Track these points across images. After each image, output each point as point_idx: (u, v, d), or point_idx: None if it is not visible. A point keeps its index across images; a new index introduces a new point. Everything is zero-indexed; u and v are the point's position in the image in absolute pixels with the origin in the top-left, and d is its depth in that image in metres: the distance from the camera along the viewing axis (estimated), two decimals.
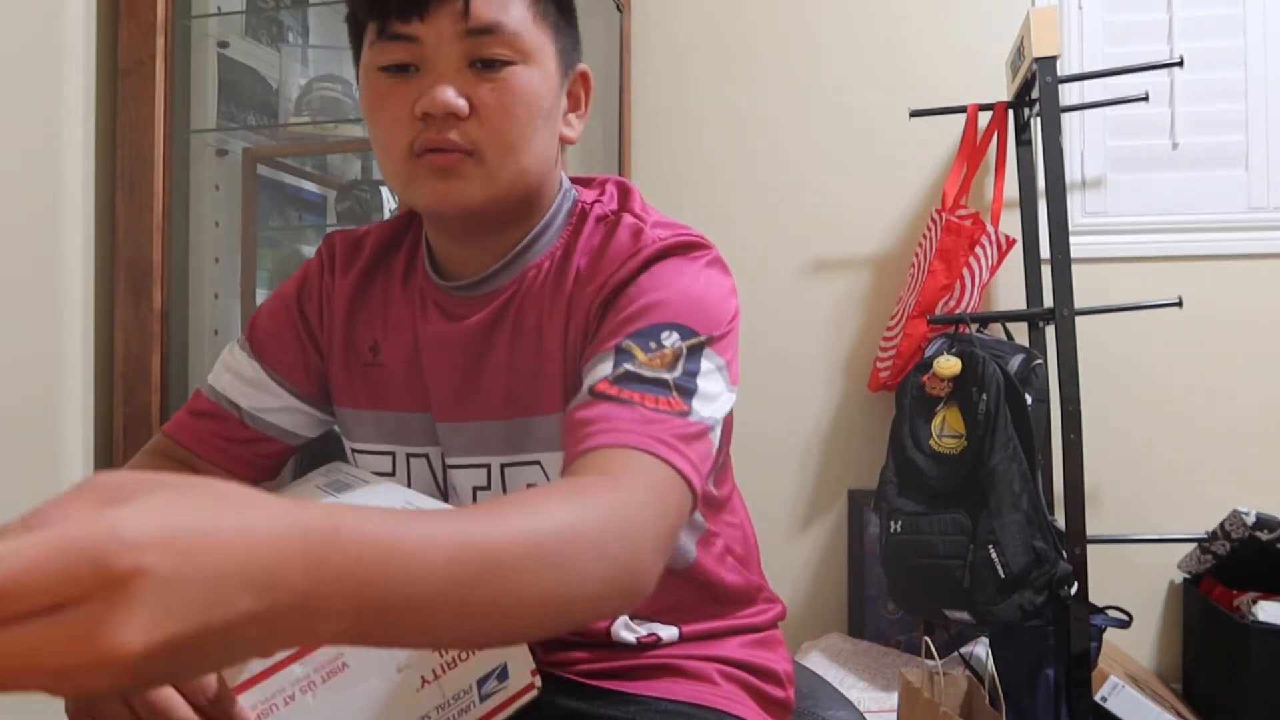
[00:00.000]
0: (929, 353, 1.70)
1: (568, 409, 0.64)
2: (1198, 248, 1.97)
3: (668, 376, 0.62)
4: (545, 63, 0.69)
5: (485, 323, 0.73)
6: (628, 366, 0.62)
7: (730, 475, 0.86)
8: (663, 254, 0.70)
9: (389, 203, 1.65)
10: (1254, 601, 1.65)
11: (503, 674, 0.58)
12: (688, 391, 0.62)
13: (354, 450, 0.79)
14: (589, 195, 0.78)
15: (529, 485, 0.73)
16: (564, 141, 0.75)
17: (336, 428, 0.82)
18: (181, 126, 1.52)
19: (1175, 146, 2.00)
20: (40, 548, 0.29)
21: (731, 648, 0.79)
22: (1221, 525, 1.74)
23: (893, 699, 1.59)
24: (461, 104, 0.65)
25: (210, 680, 0.46)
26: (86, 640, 0.29)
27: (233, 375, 0.78)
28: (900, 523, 1.61)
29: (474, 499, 0.74)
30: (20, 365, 1.30)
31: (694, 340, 0.65)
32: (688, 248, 0.71)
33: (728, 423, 0.74)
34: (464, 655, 0.56)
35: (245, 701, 0.49)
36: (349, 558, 0.36)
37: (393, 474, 0.77)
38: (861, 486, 2.03)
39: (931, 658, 1.48)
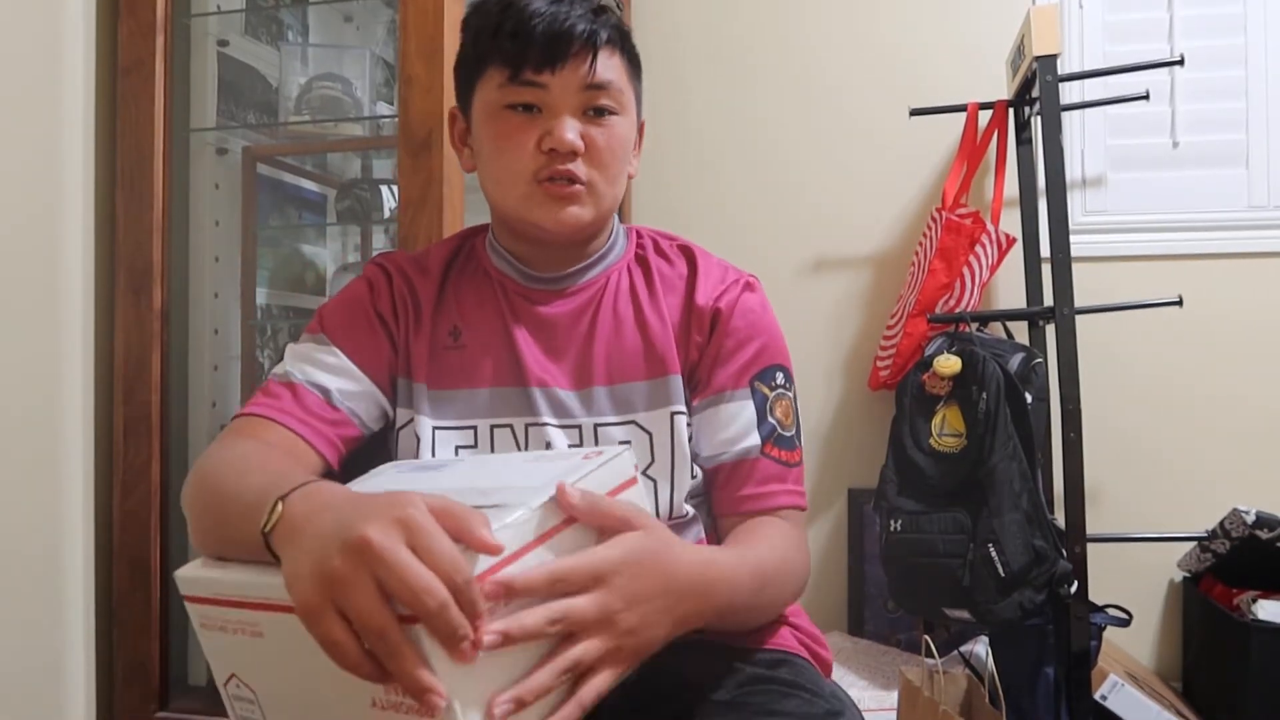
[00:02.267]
0: (929, 351, 1.70)
1: (729, 451, 0.87)
2: (1198, 247, 1.97)
3: (793, 434, 0.90)
4: (631, 113, 0.87)
5: (581, 309, 0.89)
6: (776, 427, 0.88)
7: None
8: (749, 287, 0.92)
9: (389, 202, 1.65)
10: (1254, 600, 1.65)
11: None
12: (799, 436, 0.91)
13: (435, 429, 0.86)
14: (629, 226, 0.97)
15: (621, 442, 0.85)
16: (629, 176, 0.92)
17: (410, 418, 0.88)
18: (181, 125, 1.52)
19: (1176, 145, 2.00)
20: (605, 560, 0.60)
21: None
22: (1221, 524, 1.74)
23: (893, 698, 1.59)
24: (580, 144, 0.82)
25: (463, 563, 0.51)
26: (612, 646, 0.60)
27: (313, 365, 0.85)
28: (900, 521, 1.61)
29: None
30: (20, 365, 1.30)
31: (792, 391, 0.92)
32: (753, 284, 0.94)
33: None
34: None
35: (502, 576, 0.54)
36: (716, 599, 0.70)
37: (475, 445, 0.86)
38: (861, 485, 2.03)
39: (931, 656, 1.48)
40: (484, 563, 0.53)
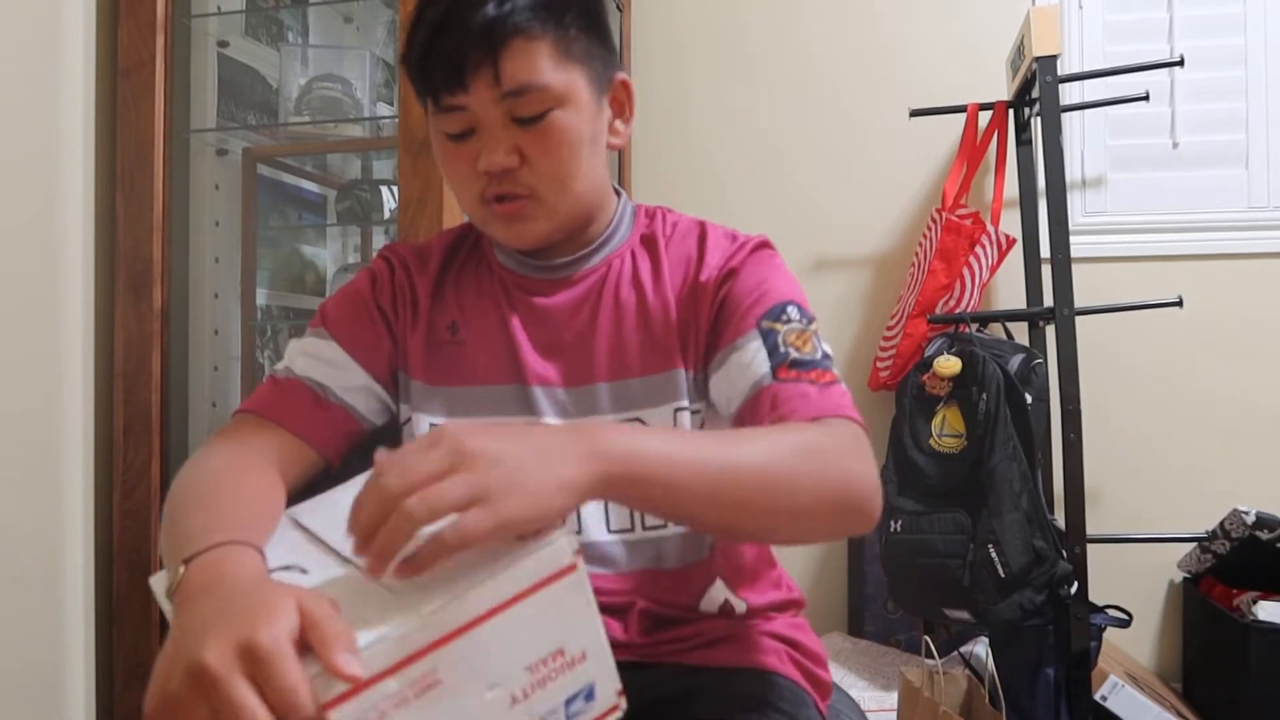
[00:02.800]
0: (929, 352, 1.70)
1: (745, 392, 0.77)
2: (1198, 247, 1.97)
3: (817, 357, 0.77)
4: (578, 96, 0.78)
5: (581, 299, 0.84)
6: (790, 353, 0.77)
7: None
8: (759, 247, 0.85)
9: (389, 202, 1.65)
10: (1254, 601, 1.65)
11: (590, 694, 0.58)
12: (829, 361, 0.79)
13: (432, 424, 0.84)
14: (640, 206, 0.91)
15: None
16: (613, 149, 0.85)
17: (410, 415, 0.86)
18: (181, 126, 1.52)
19: (1176, 146, 2.00)
20: (427, 448, 0.54)
21: (781, 625, 0.87)
22: (1221, 524, 1.74)
23: (893, 698, 1.59)
24: (511, 160, 0.77)
25: (305, 699, 0.47)
26: (466, 485, 0.52)
27: (311, 359, 0.84)
28: (900, 522, 1.61)
29: None
30: (20, 365, 1.30)
31: (815, 325, 0.81)
32: (768, 244, 0.87)
33: None
34: (552, 674, 0.56)
35: (340, 717, 0.48)
36: (628, 471, 0.59)
37: None
38: None
39: (931, 657, 1.48)
40: (340, 686, 0.48)
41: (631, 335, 0.83)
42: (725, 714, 0.75)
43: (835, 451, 0.69)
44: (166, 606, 0.61)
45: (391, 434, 0.89)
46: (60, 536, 1.37)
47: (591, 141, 0.80)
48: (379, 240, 1.93)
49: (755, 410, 0.75)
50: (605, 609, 0.68)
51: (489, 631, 0.53)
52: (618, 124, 0.85)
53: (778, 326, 0.78)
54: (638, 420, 0.82)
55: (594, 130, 0.81)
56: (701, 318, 0.82)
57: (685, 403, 0.81)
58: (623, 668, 0.61)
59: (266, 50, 1.71)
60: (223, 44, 1.59)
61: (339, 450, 0.84)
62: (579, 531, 0.81)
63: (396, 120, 1.39)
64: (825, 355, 0.78)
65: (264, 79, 1.69)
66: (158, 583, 0.65)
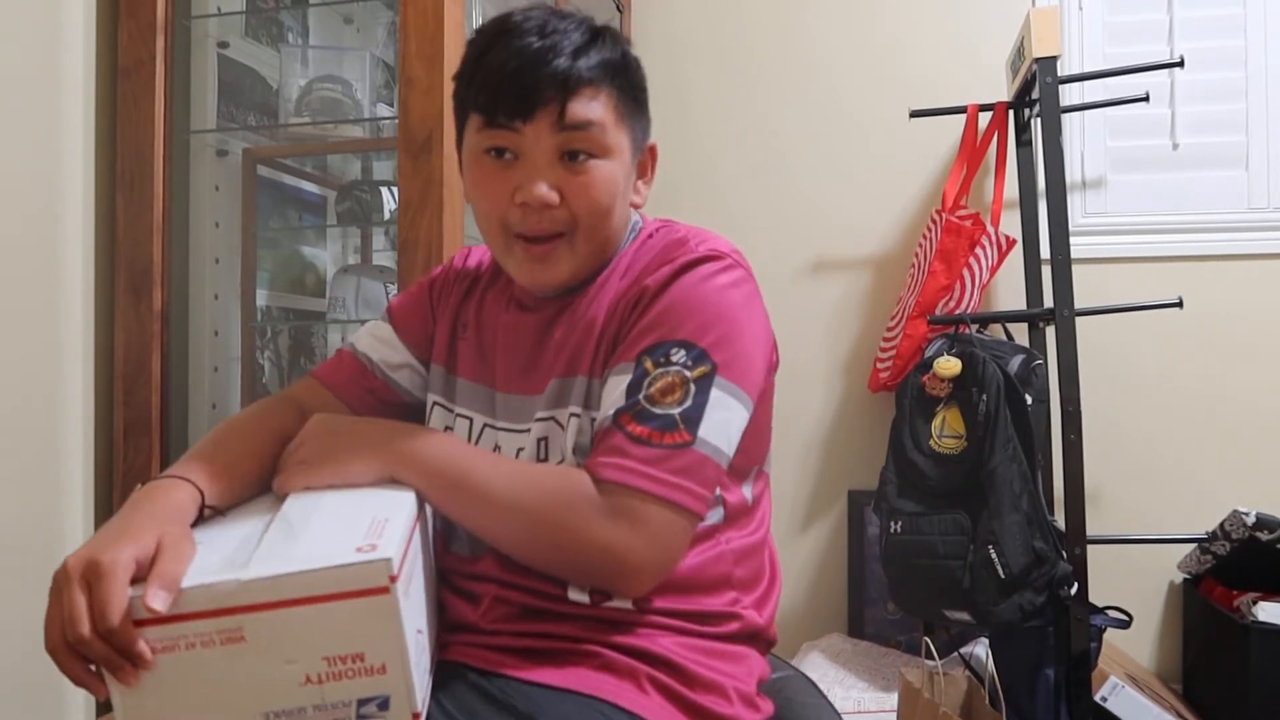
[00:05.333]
0: (929, 353, 1.70)
1: (596, 422, 0.80)
2: (1198, 248, 1.97)
3: (669, 414, 0.75)
4: (621, 154, 0.83)
5: (554, 314, 0.88)
6: (642, 401, 0.76)
7: (764, 490, 0.92)
8: (695, 264, 0.81)
9: (389, 203, 1.65)
10: (1254, 602, 1.65)
11: (384, 704, 0.63)
12: (691, 418, 0.76)
13: (434, 403, 0.94)
14: (651, 224, 0.93)
15: (540, 440, 0.84)
16: (633, 207, 0.89)
17: (427, 394, 0.97)
18: (181, 127, 1.51)
19: (1175, 147, 2.00)
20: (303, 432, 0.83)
21: (669, 644, 0.79)
22: (1221, 525, 1.74)
23: (893, 699, 1.59)
24: (554, 196, 0.80)
25: (113, 612, 0.60)
26: (299, 452, 0.81)
27: (370, 336, 0.98)
28: (900, 523, 1.61)
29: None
30: (20, 365, 1.30)
31: (703, 369, 0.77)
32: (712, 259, 0.81)
33: (763, 417, 0.87)
34: (350, 673, 0.62)
35: (151, 635, 0.61)
36: (402, 465, 0.78)
37: (452, 428, 0.92)
38: (861, 486, 2.03)
39: (931, 658, 1.48)
40: (165, 608, 0.61)
41: (567, 343, 0.85)
42: None
43: (578, 514, 0.74)
44: None
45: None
46: (60, 537, 1.37)
47: (623, 197, 0.85)
48: (379, 241, 1.93)
49: (595, 442, 0.79)
50: (460, 590, 0.84)
51: (297, 615, 0.61)
52: (640, 184, 0.90)
53: (650, 368, 0.77)
54: (553, 420, 0.84)
55: (626, 187, 0.85)
56: (614, 329, 0.83)
57: (576, 408, 0.82)
58: (471, 658, 0.76)
59: (266, 51, 1.71)
60: (223, 45, 1.59)
61: (379, 415, 0.95)
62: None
63: (396, 121, 1.39)
64: (693, 408, 0.76)
65: (264, 80, 1.69)
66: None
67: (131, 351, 1.43)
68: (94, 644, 0.61)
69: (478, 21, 1.63)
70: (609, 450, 0.76)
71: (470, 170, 0.85)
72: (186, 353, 1.54)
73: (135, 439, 1.42)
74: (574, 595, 0.79)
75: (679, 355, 0.77)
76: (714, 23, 2.18)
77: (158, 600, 0.60)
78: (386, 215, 1.66)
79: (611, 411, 0.77)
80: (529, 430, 0.85)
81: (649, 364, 0.77)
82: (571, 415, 0.82)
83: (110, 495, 1.43)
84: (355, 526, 0.66)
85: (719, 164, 2.16)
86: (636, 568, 0.75)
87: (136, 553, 0.63)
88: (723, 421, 0.77)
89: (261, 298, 1.69)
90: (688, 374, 0.76)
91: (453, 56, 1.32)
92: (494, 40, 0.81)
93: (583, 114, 0.79)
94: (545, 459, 0.83)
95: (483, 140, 0.82)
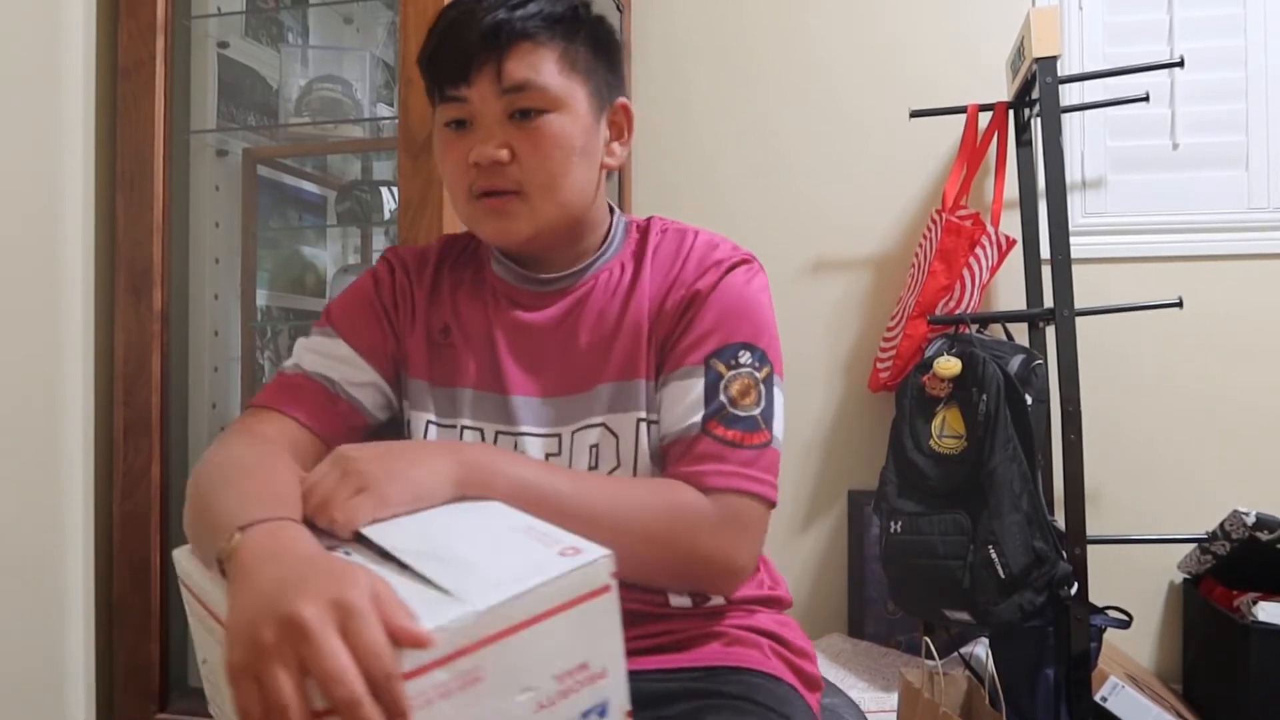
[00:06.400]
0: (929, 353, 1.70)
1: (664, 425, 0.82)
2: (1198, 248, 1.97)
3: (752, 415, 0.80)
4: (575, 106, 0.82)
5: (565, 313, 0.86)
6: (726, 405, 0.80)
7: None
8: (736, 266, 0.85)
9: (389, 203, 1.65)
10: (1254, 602, 1.65)
11: (603, 710, 0.61)
12: (769, 416, 0.81)
13: (428, 422, 0.88)
14: (642, 221, 0.93)
15: (591, 445, 0.83)
16: (606, 169, 0.87)
17: (409, 414, 0.90)
18: (181, 127, 1.52)
19: (1175, 147, 2.00)
20: (326, 468, 0.67)
21: (765, 620, 0.87)
22: (1221, 525, 1.74)
23: (893, 699, 1.59)
24: (502, 154, 0.80)
25: (390, 660, 0.48)
26: (350, 481, 0.65)
27: (319, 356, 0.88)
28: (900, 523, 1.61)
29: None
30: (20, 366, 1.30)
31: (766, 369, 0.82)
32: (746, 262, 0.86)
33: None
34: (575, 687, 0.58)
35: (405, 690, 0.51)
36: (478, 477, 0.69)
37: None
38: (861, 486, 2.03)
39: (931, 658, 1.48)
40: (413, 660, 0.50)
41: (605, 346, 0.85)
42: (705, 715, 0.74)
43: (692, 528, 0.76)
44: (199, 576, 0.64)
45: (395, 429, 0.91)
46: (60, 537, 1.37)
47: (583, 152, 0.83)
48: (379, 241, 1.93)
49: (677, 452, 0.80)
50: None
51: (529, 637, 0.55)
52: (615, 145, 0.88)
53: (724, 370, 0.81)
54: (603, 425, 0.83)
55: (587, 142, 0.83)
56: (664, 332, 0.84)
57: (644, 413, 0.83)
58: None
59: (266, 51, 1.71)
60: (223, 45, 1.59)
61: (346, 443, 0.84)
62: None
63: (396, 121, 1.39)
64: (767, 407, 0.81)
65: (264, 80, 1.70)
66: (185, 554, 0.67)
67: (131, 351, 1.43)
68: (364, 707, 0.47)
69: None
70: (706, 458, 0.78)
71: (436, 147, 0.86)
72: (186, 353, 1.54)
73: (135, 439, 1.42)
74: (675, 601, 0.83)
75: (746, 357, 0.81)
76: (714, 23, 2.18)
77: (426, 643, 0.49)
78: (386, 215, 1.66)
79: (698, 418, 0.79)
80: (558, 435, 0.84)
81: (720, 367, 0.81)
82: (639, 420, 0.83)
83: (110, 495, 1.43)
84: (513, 538, 0.62)
85: (719, 164, 2.16)
86: (743, 568, 0.79)
87: (370, 593, 0.50)
88: (782, 416, 0.83)
89: (261, 298, 1.69)
90: (757, 375, 0.81)
91: None
92: (445, 13, 0.83)
93: (521, 73, 0.79)
94: (596, 466, 0.83)
95: (441, 115, 0.83)
